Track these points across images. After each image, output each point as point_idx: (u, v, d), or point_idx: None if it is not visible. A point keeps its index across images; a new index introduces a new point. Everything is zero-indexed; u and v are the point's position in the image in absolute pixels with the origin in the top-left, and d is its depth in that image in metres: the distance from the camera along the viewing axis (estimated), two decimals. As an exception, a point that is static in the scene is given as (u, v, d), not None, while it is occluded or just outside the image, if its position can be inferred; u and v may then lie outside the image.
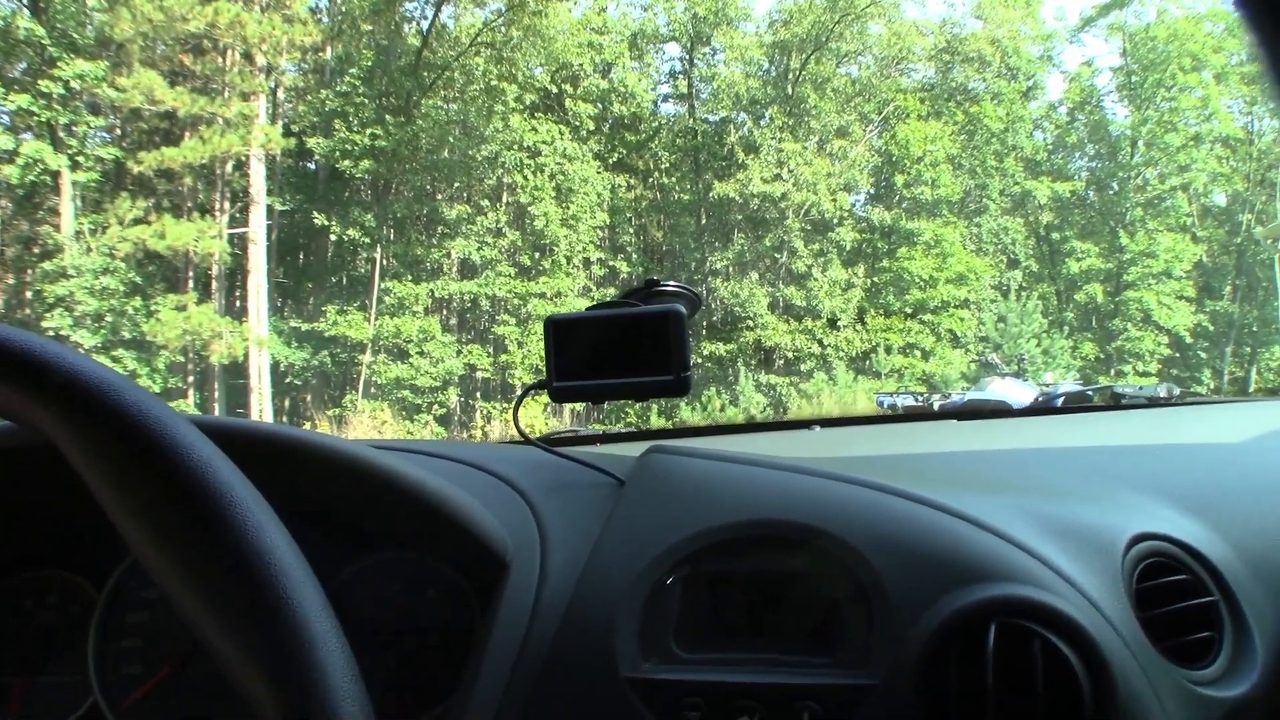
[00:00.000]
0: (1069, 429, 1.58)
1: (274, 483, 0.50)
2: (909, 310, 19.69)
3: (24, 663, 0.94)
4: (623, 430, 1.90)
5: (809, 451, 1.31)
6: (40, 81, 15.07)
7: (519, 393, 1.06)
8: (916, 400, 11.70)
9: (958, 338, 20.03)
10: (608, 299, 0.93)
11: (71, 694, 0.92)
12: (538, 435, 1.14)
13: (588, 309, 0.91)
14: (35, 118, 15.54)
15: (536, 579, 0.78)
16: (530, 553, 0.81)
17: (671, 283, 0.95)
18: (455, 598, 0.87)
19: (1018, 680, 0.64)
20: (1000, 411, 2.06)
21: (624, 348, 0.88)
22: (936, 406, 10.90)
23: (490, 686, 0.73)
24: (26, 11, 15.55)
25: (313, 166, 18.72)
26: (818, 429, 1.63)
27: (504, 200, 18.40)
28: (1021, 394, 11.16)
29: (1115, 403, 1.91)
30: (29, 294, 17.21)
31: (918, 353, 19.35)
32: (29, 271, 17.04)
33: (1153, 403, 1.99)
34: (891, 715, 0.66)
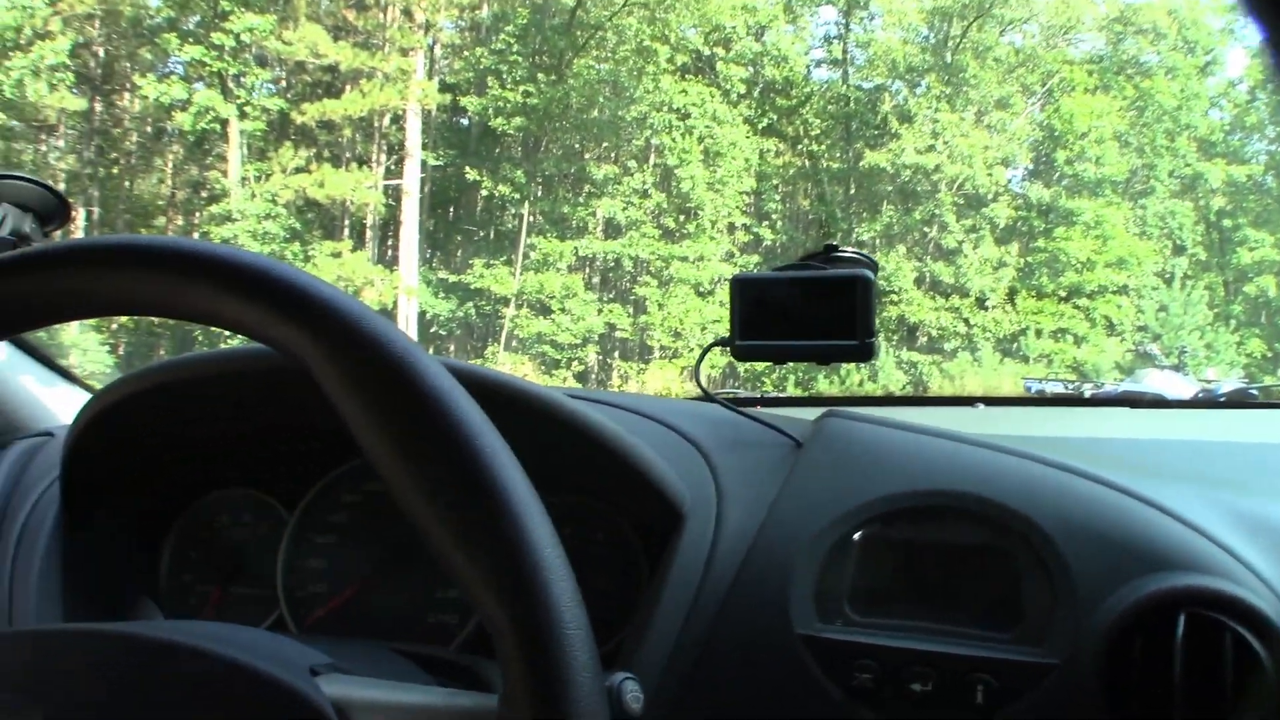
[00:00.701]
0: (1240, 424, 1.53)
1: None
2: (1063, 293, 18.83)
3: (218, 573, 1.01)
4: (791, 395, 1.83)
5: (975, 428, 1.24)
6: (212, 34, 15.82)
7: (700, 350, 1.02)
8: (1066, 388, 11.27)
9: (1113, 325, 19.06)
10: (793, 263, 0.92)
11: (259, 606, 0.97)
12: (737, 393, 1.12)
13: (773, 269, 0.91)
14: (207, 68, 16.36)
15: (712, 533, 0.80)
16: (707, 507, 0.82)
17: (849, 249, 0.92)
18: (623, 545, 0.90)
19: (1204, 672, 0.63)
20: (1164, 402, 1.94)
21: (810, 310, 0.87)
22: (1087, 395, 10.48)
23: (664, 633, 0.75)
24: (201, -34, 16.31)
25: (466, 122, 19.13)
26: (981, 406, 1.60)
27: (651, 162, 18.41)
28: (1181, 389, 10.59)
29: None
30: (196, 235, 18.29)
31: (1069, 338, 18.50)
32: (197, 214, 18.07)
33: None
34: (1070, 696, 0.66)
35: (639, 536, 0.89)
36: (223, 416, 0.93)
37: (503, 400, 0.78)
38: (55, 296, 0.50)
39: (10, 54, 14.23)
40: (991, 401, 1.67)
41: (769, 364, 0.94)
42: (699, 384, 0.97)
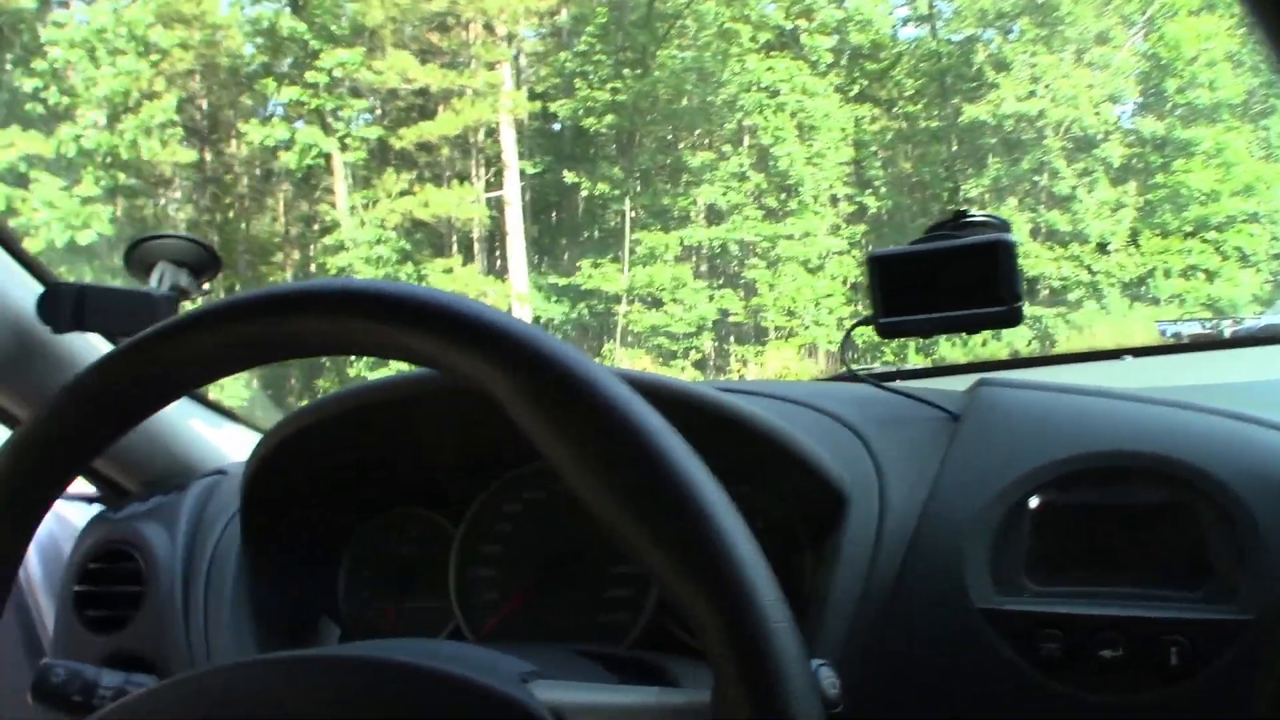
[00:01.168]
0: None
1: None
2: (1189, 229, 17.91)
3: (393, 590, 1.04)
4: (930, 365, 1.76)
5: (1129, 382, 1.19)
6: (306, 74, 16.35)
7: (846, 330, 1.02)
8: (1204, 327, 10.67)
9: (1246, 256, 18.03)
10: (928, 234, 0.90)
11: (434, 618, 1.00)
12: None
13: (911, 242, 0.89)
14: (305, 106, 16.92)
15: (877, 512, 0.79)
16: (869, 488, 0.81)
17: (979, 213, 0.91)
18: (785, 536, 0.89)
19: None
20: None
21: (952, 279, 0.85)
22: (1228, 334, 9.90)
23: (839, 616, 0.75)
24: (288, 11, 16.88)
25: (558, 127, 19.34)
26: (1129, 359, 1.55)
27: (746, 143, 18.26)
28: None
29: None
30: (313, 267, 19.00)
31: (1201, 275, 17.60)
32: (311, 248, 18.78)
33: None
34: (1268, 652, 0.64)
35: (802, 524, 0.90)
36: (388, 442, 0.98)
37: (664, 400, 0.80)
38: (280, 338, 0.52)
39: (123, 117, 15.02)
40: (1139, 352, 1.59)
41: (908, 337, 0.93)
42: (845, 364, 0.98)
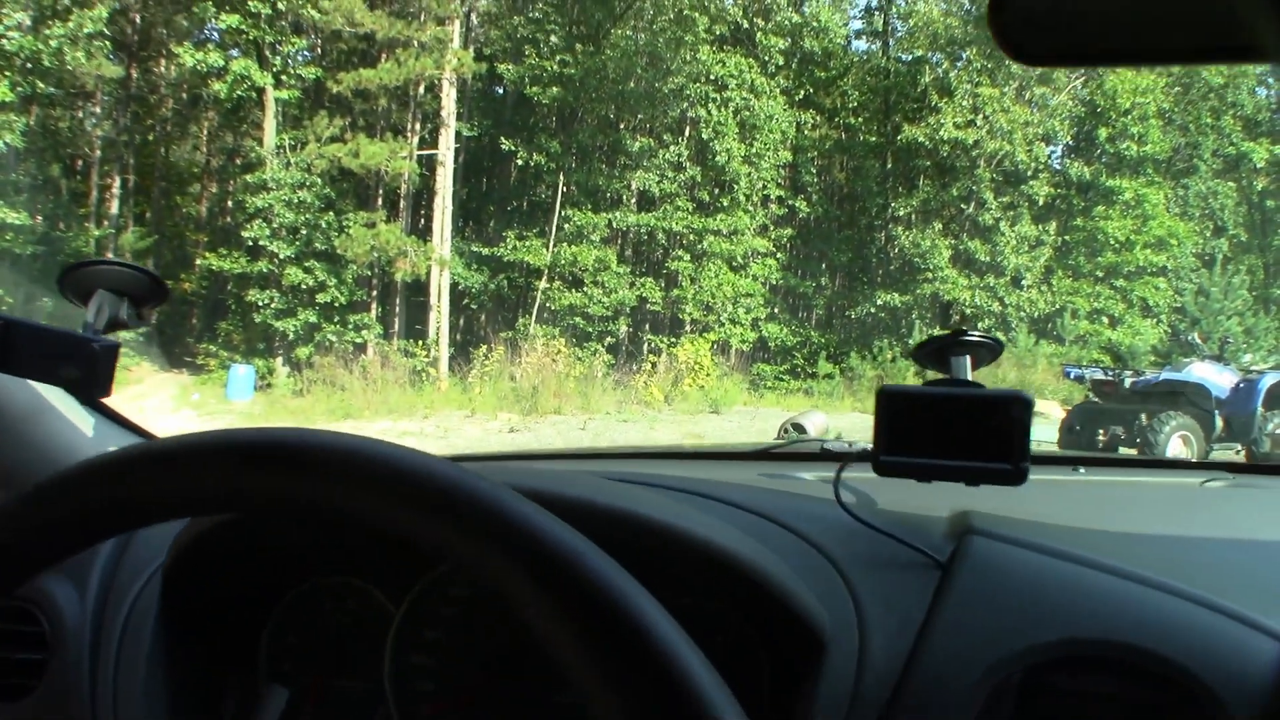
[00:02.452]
0: None
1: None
2: (1100, 274, 18.53)
3: (320, 665, 0.97)
4: (787, 444, 1.74)
5: (1079, 504, 1.20)
6: (249, 1, 15.72)
7: (839, 462, 0.98)
8: (1107, 375, 11.02)
9: (1150, 308, 18.76)
10: (940, 379, 0.90)
11: (362, 701, 0.94)
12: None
13: (925, 384, 0.88)
14: (244, 36, 16.28)
15: (856, 663, 0.76)
16: (849, 634, 0.78)
17: (977, 334, 0.92)
18: (745, 657, 0.86)
19: None
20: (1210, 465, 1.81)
21: (962, 428, 0.84)
22: (1128, 384, 10.26)
23: None
24: (238, -67, 16.22)
25: (501, 92, 19.03)
26: (1083, 471, 1.50)
27: (687, 134, 18.24)
28: (1223, 380, 10.34)
29: None
30: (230, 203, 18.35)
31: (1105, 319, 18.23)
32: (232, 182, 18.13)
33: None
34: None
35: (764, 647, 0.86)
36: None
37: (630, 532, 0.77)
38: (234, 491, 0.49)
39: (49, 22, 14.24)
40: (1090, 463, 1.57)
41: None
42: (840, 501, 0.92)
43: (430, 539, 0.48)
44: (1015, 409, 0.82)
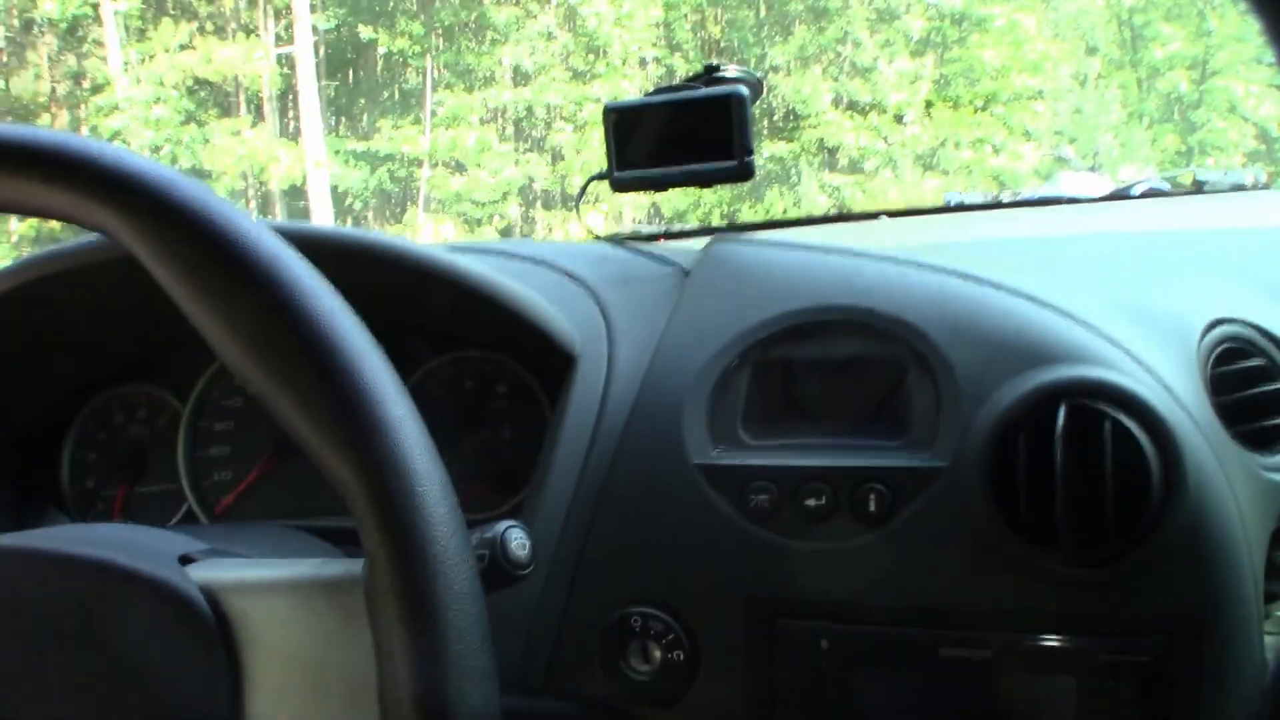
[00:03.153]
0: (1147, 215, 1.52)
1: (344, 282, 0.50)
2: (979, 103, 18.80)
3: (121, 474, 1.00)
4: (689, 227, 1.83)
5: (877, 241, 1.26)
6: (67, -93, 14.61)
7: (582, 185, 1.06)
8: (986, 198, 11.41)
9: (1030, 131, 19.19)
10: (669, 85, 0.91)
11: (167, 502, 0.98)
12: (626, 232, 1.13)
13: (647, 94, 0.90)
14: (67, -54, 15.16)
15: (605, 371, 0.80)
16: (598, 345, 0.82)
17: (732, 67, 0.91)
18: (526, 392, 0.90)
19: (1088, 462, 0.62)
20: (1074, 200, 1.95)
21: (686, 133, 0.86)
22: (1005, 202, 10.64)
23: (563, 477, 0.75)
24: None
25: (353, -23, 18.10)
26: (884, 219, 1.59)
27: (553, 1, 17.66)
28: (1096, 187, 10.75)
29: (1197, 189, 1.90)
30: (85, 130, 17.31)
31: (988, 147, 18.61)
32: (82, 108, 17.07)
33: (1237, 189, 1.91)
34: (958, 496, 0.66)
35: (541, 384, 0.89)
36: (96, 311, 0.90)
37: (368, 260, 0.78)
38: None
39: None
40: (896, 214, 1.64)
41: (652, 194, 0.92)
42: (582, 221, 0.98)
43: (92, 218, 0.47)
44: (733, 104, 0.85)
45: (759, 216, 16.88)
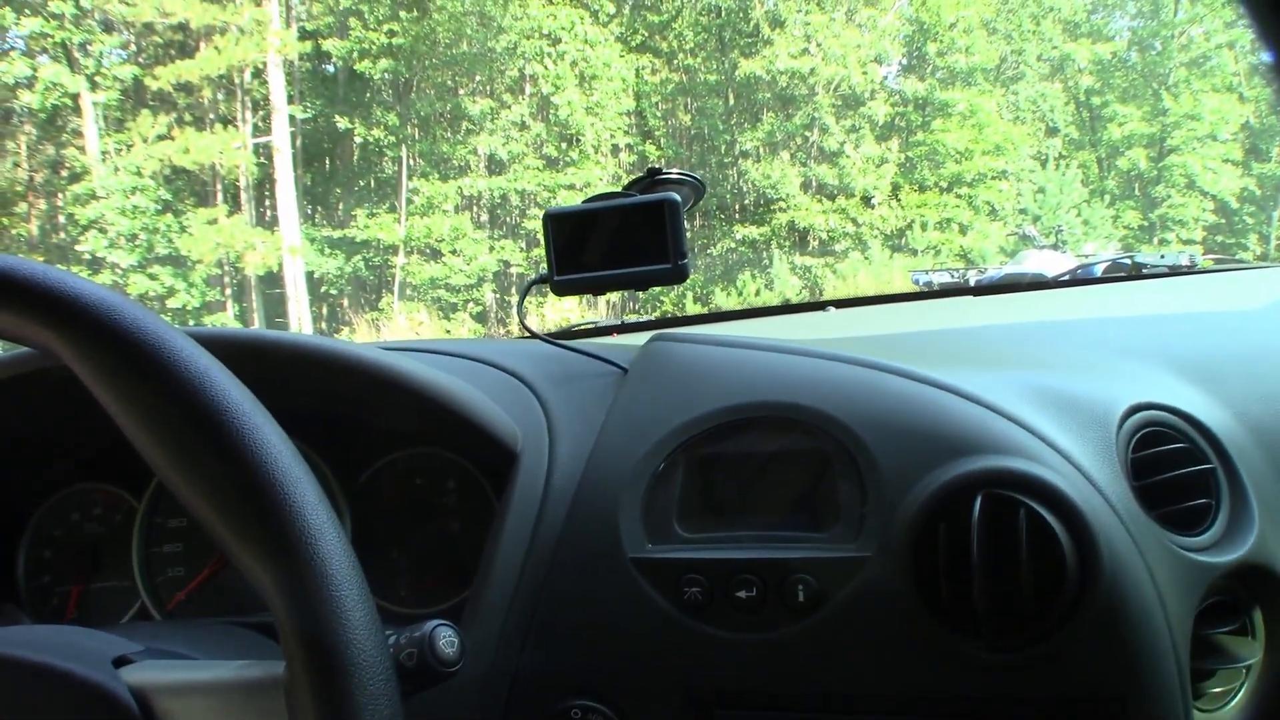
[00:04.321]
0: (1083, 301, 1.57)
1: (292, 386, 0.55)
2: (945, 184, 19.22)
3: (77, 571, 1.01)
4: (638, 320, 1.88)
5: (820, 333, 1.30)
6: (50, 3, 14.88)
7: (522, 289, 1.04)
8: (952, 276, 11.52)
9: (995, 210, 19.59)
10: (608, 191, 0.93)
11: (121, 598, 0.98)
12: (575, 326, 1.15)
13: (585, 201, 0.91)
14: (49, 40, 15.42)
15: (545, 467, 0.81)
16: (539, 442, 0.83)
17: (674, 170, 0.94)
18: (475, 487, 0.92)
19: (1005, 550, 0.64)
20: (1010, 286, 2.03)
21: (622, 238, 0.88)
22: (972, 282, 10.77)
23: (506, 572, 0.77)
24: (27, -68, 15.29)
25: (331, 69, 18.43)
26: (832, 310, 1.63)
27: (527, 92, 18.04)
28: (1058, 265, 10.92)
29: (1136, 272, 1.91)
30: (62, 218, 17.35)
31: (955, 227, 18.97)
32: (60, 196, 17.14)
33: (1174, 271, 1.96)
34: (883, 586, 0.68)
35: (488, 479, 0.91)
36: (50, 412, 0.92)
37: (305, 364, 0.79)
38: None
39: None
40: (843, 304, 1.69)
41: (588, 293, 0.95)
42: (522, 323, 0.96)
43: (34, 338, 0.49)
44: (666, 210, 0.87)
45: (732, 299, 17.07)
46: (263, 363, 0.55)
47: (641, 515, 0.76)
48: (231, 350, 0.55)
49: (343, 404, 0.86)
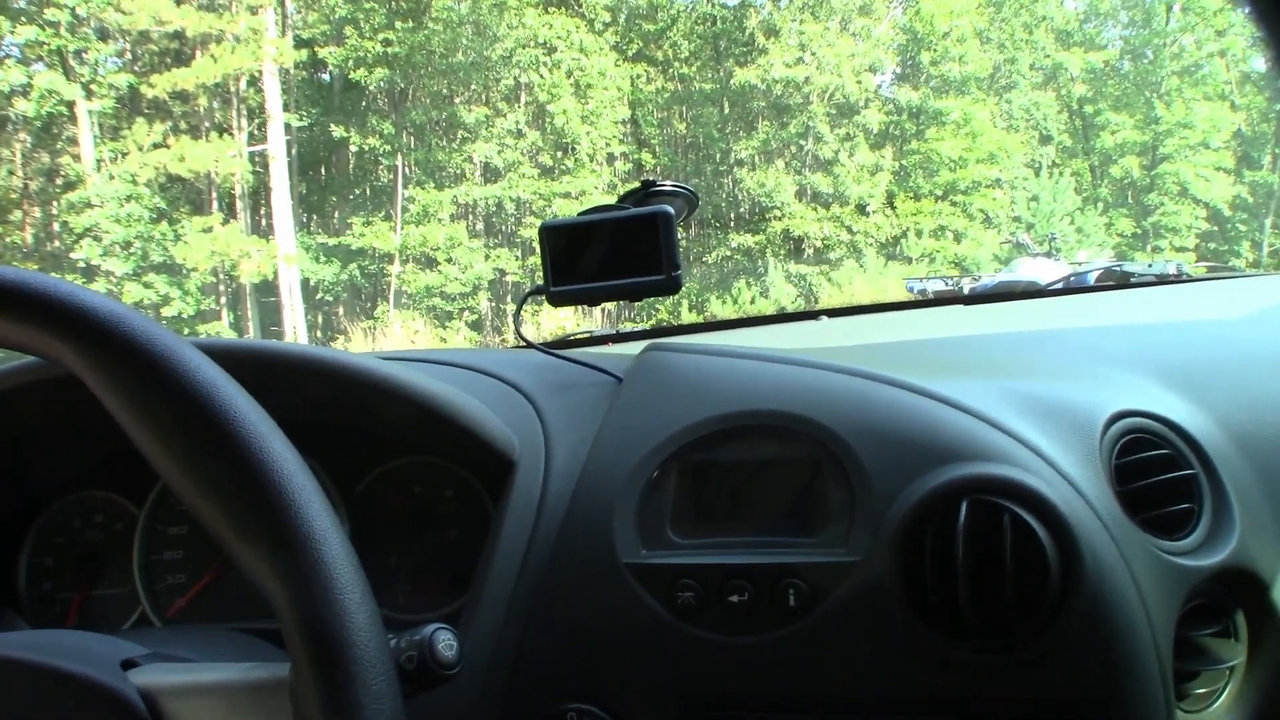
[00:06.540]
0: (1072, 310, 1.59)
1: (285, 399, 0.55)
2: (939, 192, 19.29)
3: (78, 579, 1.01)
4: (633, 329, 1.90)
5: (813, 343, 1.30)
6: (45, 10, 14.88)
7: (519, 301, 1.07)
8: (946, 284, 11.59)
9: (989, 218, 19.66)
10: (602, 204, 0.95)
11: (122, 605, 0.99)
12: (571, 335, 1.17)
13: (580, 213, 0.92)
14: (45, 47, 15.42)
15: (542, 475, 0.83)
16: (535, 450, 0.85)
17: (668, 183, 0.96)
18: (472, 495, 0.93)
19: (990, 555, 0.66)
20: (1002, 294, 2.04)
21: (616, 250, 0.90)
22: (966, 290, 10.81)
23: (502, 578, 0.78)
24: (23, -62, 15.30)
25: (327, 78, 18.48)
26: (825, 319, 1.65)
27: (522, 100, 18.09)
28: (1051, 273, 10.97)
29: (1125, 281, 1.90)
30: (56, 226, 17.34)
31: (949, 235, 19.03)
32: (54, 204, 17.13)
33: (1161, 280, 2.00)
34: (872, 590, 0.70)
35: (485, 487, 0.92)
36: (52, 421, 0.93)
37: (307, 375, 0.81)
38: None
39: None
40: (836, 313, 1.70)
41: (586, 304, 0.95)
42: (518, 333, 0.98)
43: (46, 350, 0.50)
44: (659, 222, 0.88)
45: (728, 308, 17.10)
46: (264, 373, 0.56)
47: (635, 521, 0.78)
48: (234, 360, 0.56)
49: (341, 413, 0.87)
